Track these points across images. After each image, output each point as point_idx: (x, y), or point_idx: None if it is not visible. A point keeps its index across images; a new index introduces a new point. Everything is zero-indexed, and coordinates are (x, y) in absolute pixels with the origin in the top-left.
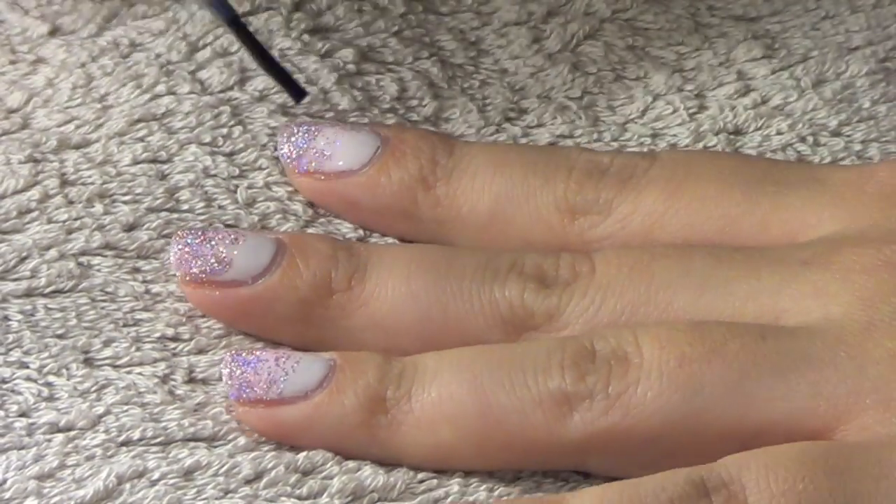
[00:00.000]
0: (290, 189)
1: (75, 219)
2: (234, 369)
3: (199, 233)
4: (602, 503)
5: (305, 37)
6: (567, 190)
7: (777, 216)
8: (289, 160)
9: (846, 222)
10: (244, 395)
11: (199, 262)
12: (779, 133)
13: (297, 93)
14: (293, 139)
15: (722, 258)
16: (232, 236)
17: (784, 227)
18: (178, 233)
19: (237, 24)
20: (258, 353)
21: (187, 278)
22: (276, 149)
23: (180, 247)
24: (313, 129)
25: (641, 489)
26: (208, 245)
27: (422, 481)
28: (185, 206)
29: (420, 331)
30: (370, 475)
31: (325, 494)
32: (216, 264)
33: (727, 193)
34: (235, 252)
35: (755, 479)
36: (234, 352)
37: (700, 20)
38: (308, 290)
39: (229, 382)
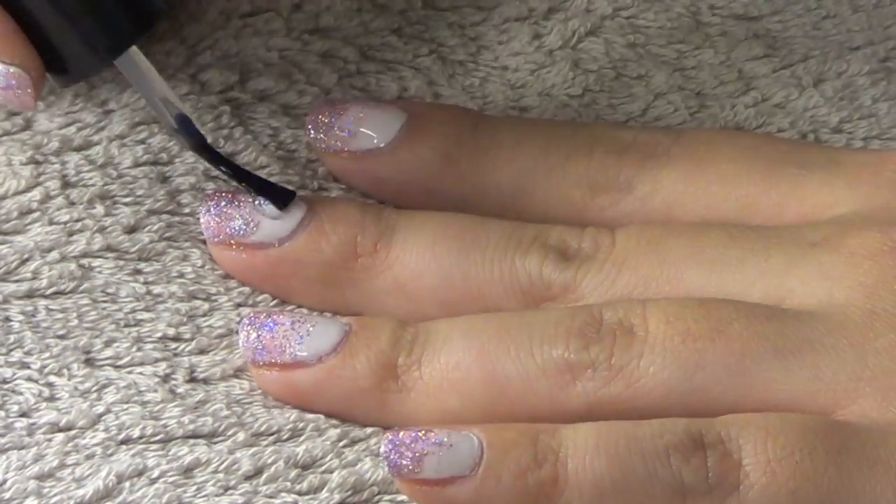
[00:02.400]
0: (290, 188)
1: (76, 220)
2: (251, 332)
3: (230, 195)
4: (599, 438)
5: (305, 36)
6: (588, 167)
7: (795, 196)
8: (317, 143)
9: (860, 204)
10: (259, 359)
11: (228, 224)
12: (780, 130)
13: (284, 198)
14: (320, 120)
15: (735, 237)
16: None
17: (801, 207)
18: (208, 194)
19: (208, 150)
20: (275, 316)
21: (215, 239)
22: (307, 132)
23: (210, 209)
24: (339, 108)
25: (640, 431)
26: (237, 207)
27: None
28: (187, 210)
29: (440, 296)
30: (370, 468)
31: (325, 489)
32: (244, 226)
33: (747, 174)
34: (263, 215)
35: (753, 441)
36: (251, 314)
37: (701, 19)
38: (333, 253)
39: (245, 345)
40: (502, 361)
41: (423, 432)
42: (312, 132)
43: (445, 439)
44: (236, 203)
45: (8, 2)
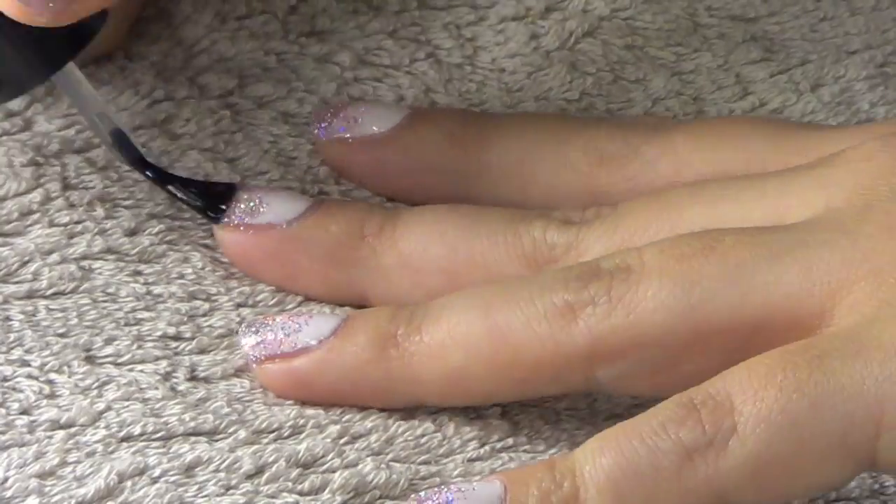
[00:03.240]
0: (230, 182)
1: (77, 222)
2: (250, 334)
3: (239, 184)
4: (601, 441)
5: (302, 40)
6: (596, 137)
7: (803, 150)
8: (321, 132)
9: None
10: (261, 353)
11: (237, 207)
12: None
13: (216, 207)
14: (324, 113)
15: (735, 178)
16: (272, 189)
17: (808, 158)
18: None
19: (144, 164)
20: (272, 316)
21: (223, 220)
22: (311, 128)
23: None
24: (343, 103)
25: (633, 421)
26: (246, 193)
27: (424, 478)
28: (187, 214)
29: (444, 265)
30: (372, 470)
31: (326, 490)
32: (254, 206)
33: (755, 134)
34: (273, 198)
35: (738, 382)
36: (248, 320)
37: (699, 21)
38: (340, 233)
39: (247, 346)
40: (504, 312)
41: (443, 485)
42: (316, 123)
43: (467, 485)
44: (244, 189)
45: None
